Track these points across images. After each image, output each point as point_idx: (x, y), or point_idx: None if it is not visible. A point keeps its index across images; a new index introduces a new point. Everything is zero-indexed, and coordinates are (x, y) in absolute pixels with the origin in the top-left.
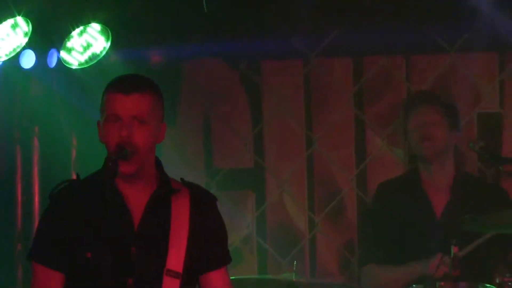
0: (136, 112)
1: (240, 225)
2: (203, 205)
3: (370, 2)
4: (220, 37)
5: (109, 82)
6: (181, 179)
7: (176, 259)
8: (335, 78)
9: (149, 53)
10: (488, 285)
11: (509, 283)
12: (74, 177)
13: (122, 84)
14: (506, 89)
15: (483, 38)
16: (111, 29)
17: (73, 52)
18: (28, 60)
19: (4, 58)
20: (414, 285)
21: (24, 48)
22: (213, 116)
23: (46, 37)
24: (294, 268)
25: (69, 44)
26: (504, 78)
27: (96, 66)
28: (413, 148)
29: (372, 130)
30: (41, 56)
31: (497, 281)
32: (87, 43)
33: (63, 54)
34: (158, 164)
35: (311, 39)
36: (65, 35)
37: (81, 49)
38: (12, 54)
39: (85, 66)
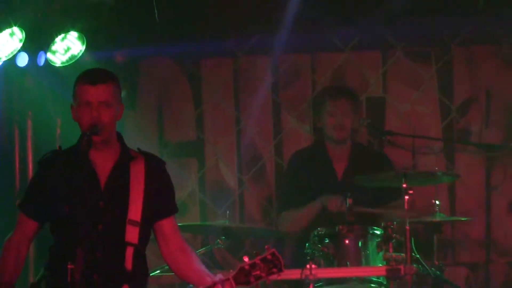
0: (102, 98)
1: (186, 184)
2: (155, 168)
3: (282, 12)
4: (169, 41)
5: (79, 75)
6: (138, 148)
7: (135, 211)
8: (257, 71)
9: (115, 54)
10: (375, 227)
11: (391, 227)
12: (58, 148)
13: (90, 77)
14: (387, 79)
15: (370, 40)
16: (86, 36)
17: (57, 54)
18: (23, 60)
19: (4, 59)
20: (318, 228)
21: (19, 51)
22: (164, 101)
23: (36, 42)
24: (227, 216)
25: (53, 47)
26: (385, 71)
27: (75, 64)
28: (326, 129)
29: (286, 110)
30: (33, 57)
31: (382, 224)
32: (67, 47)
33: (49, 55)
34: (120, 137)
35: (238, 42)
36: (50, 40)
37: (63, 52)
38: (10, 56)
39: (66, 64)
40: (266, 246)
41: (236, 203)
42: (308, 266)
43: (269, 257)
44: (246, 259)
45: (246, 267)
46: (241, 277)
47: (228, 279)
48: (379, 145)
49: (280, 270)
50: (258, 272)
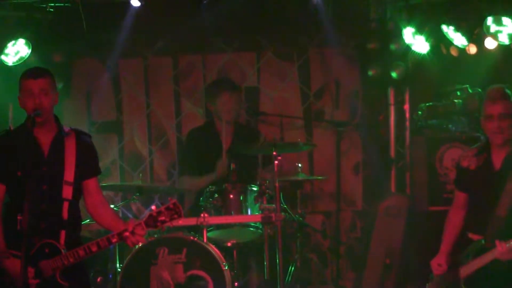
0: (42, 88)
1: (109, 154)
2: (84, 140)
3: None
4: (94, 45)
5: (23, 72)
6: (70, 127)
7: (69, 173)
8: (161, 68)
9: (54, 55)
10: (253, 185)
11: (265, 184)
12: (10, 128)
13: (31, 73)
14: (261, 73)
15: (247, 43)
16: (31, 42)
17: (9, 56)
18: None
19: None
20: (210, 186)
21: None
22: (92, 91)
23: None
24: (140, 178)
25: (6, 51)
26: (259, 67)
27: (23, 64)
28: (220, 113)
29: (184, 98)
30: None
31: (258, 182)
32: (17, 51)
33: (3, 57)
34: (56, 119)
35: (147, 45)
36: (4, 46)
37: (13, 54)
38: None
39: (16, 64)
40: (169, 198)
41: (147, 168)
42: (202, 215)
43: (171, 206)
44: (153, 207)
45: (154, 214)
46: (150, 221)
47: (139, 224)
48: (254, 123)
49: (180, 216)
50: (163, 218)
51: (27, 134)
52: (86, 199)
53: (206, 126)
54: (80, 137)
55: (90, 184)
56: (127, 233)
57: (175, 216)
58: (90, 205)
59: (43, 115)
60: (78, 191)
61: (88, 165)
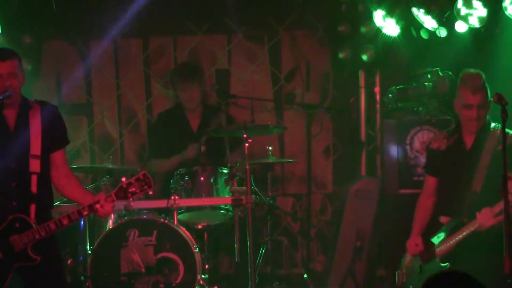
0: (10, 71)
1: (79, 136)
2: (48, 111)
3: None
4: (64, 27)
5: None
6: (34, 99)
7: (35, 147)
8: (132, 50)
9: (23, 37)
10: (223, 167)
11: (235, 167)
12: None
13: None
14: (231, 56)
15: (218, 26)
16: (0, 23)
17: None
18: None
19: None
20: (180, 169)
21: None
22: (62, 73)
23: None
24: (111, 160)
25: None
26: (230, 49)
27: None
28: (181, 101)
29: (154, 80)
30: None
31: (228, 165)
32: None
33: None
34: (22, 96)
35: (116, 27)
36: None
37: None
38: None
39: None
40: (138, 169)
41: (118, 150)
42: (172, 197)
43: (141, 177)
44: (123, 179)
45: (124, 185)
46: (120, 193)
47: (110, 195)
48: (225, 105)
49: (150, 187)
50: (133, 189)
51: None
52: (53, 172)
53: (175, 109)
54: (45, 108)
55: (57, 156)
56: (98, 205)
57: (146, 187)
58: (57, 178)
59: (12, 96)
60: (47, 163)
61: (55, 137)
